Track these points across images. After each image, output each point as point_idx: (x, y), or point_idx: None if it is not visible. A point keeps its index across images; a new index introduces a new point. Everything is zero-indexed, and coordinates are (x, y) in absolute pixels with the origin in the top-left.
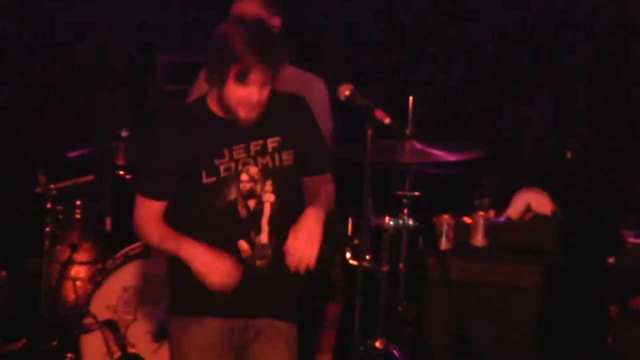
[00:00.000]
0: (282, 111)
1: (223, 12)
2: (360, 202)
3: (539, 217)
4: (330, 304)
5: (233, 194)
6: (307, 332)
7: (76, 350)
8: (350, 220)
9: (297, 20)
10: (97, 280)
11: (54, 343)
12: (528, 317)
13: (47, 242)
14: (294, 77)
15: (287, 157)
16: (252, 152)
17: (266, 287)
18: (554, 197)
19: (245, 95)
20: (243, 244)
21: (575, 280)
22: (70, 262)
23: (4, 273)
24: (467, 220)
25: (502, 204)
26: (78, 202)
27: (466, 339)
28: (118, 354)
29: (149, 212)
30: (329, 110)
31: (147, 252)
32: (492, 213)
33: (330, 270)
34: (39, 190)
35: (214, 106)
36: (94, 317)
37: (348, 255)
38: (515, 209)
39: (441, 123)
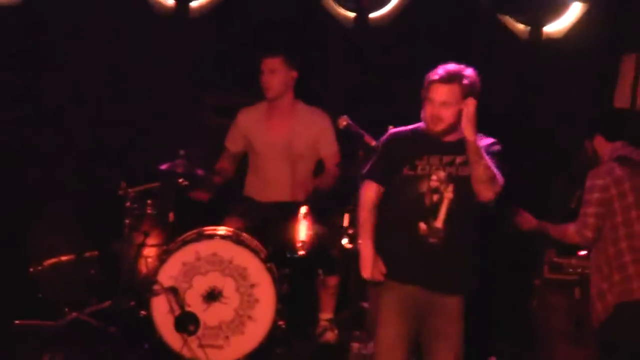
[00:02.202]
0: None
1: (256, 63)
2: (354, 202)
3: None
4: (331, 276)
5: (424, 188)
6: (314, 297)
7: (148, 309)
8: (346, 215)
9: (306, 70)
10: (162, 258)
11: (132, 303)
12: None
13: (126, 230)
14: (306, 111)
15: (467, 171)
16: (444, 162)
17: (438, 262)
18: None
19: (430, 111)
20: (422, 225)
21: (508, 259)
22: (143, 244)
23: (96, 253)
24: None
25: None
26: (149, 202)
27: None
28: (178, 311)
29: (369, 193)
30: (334, 136)
31: (199, 237)
32: None
33: (331, 251)
34: (121, 193)
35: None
36: (161, 284)
37: (344, 241)
38: None
39: None
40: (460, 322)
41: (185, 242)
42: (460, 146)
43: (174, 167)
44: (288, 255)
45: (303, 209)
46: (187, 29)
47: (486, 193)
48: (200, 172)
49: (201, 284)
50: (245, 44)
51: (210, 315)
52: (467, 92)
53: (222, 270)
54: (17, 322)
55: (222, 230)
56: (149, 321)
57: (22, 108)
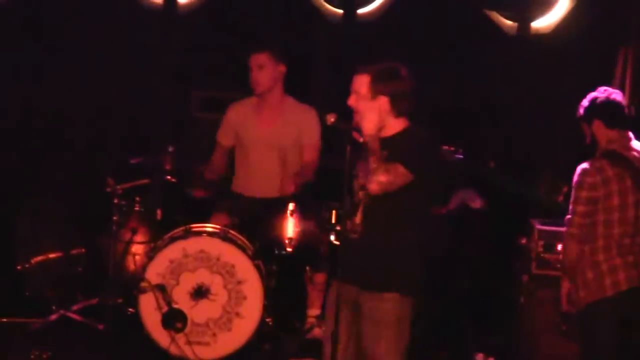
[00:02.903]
0: (394, 140)
1: (243, 58)
2: (342, 198)
3: (471, 210)
4: (319, 272)
5: (357, 185)
6: (301, 294)
7: (135, 306)
8: (334, 211)
9: (296, 66)
10: (150, 255)
11: (119, 300)
12: (462, 280)
13: (114, 227)
14: (294, 107)
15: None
16: None
17: (357, 258)
18: (483, 195)
19: None
20: (349, 222)
21: (497, 255)
22: (131, 241)
23: (83, 250)
24: None
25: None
26: (137, 198)
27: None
28: (165, 308)
29: None
30: (319, 132)
31: (187, 234)
32: (437, 206)
33: (319, 248)
34: (109, 189)
35: None
36: (148, 282)
37: (332, 237)
38: (453, 203)
39: None
40: (391, 325)
41: (173, 239)
42: (387, 142)
43: (162, 163)
44: (276, 252)
45: (291, 206)
46: (175, 24)
47: (369, 184)
48: (189, 168)
49: (189, 281)
50: (233, 39)
51: (197, 312)
52: (378, 84)
53: (209, 267)
54: (4, 319)
55: (209, 227)
56: (136, 318)
57: (7, 102)
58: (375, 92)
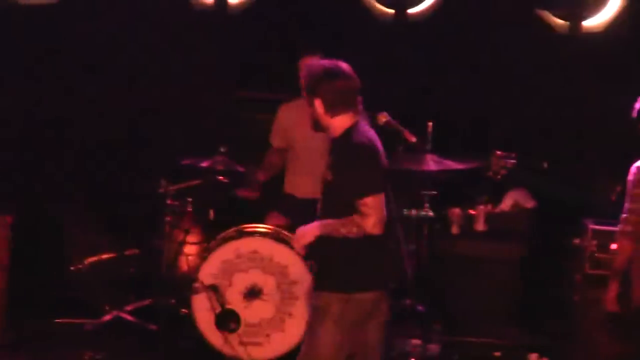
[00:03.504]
0: (336, 146)
1: (288, 61)
2: (395, 199)
3: (523, 210)
4: None
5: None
6: None
7: (188, 307)
8: None
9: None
10: (203, 255)
11: (172, 301)
12: (514, 280)
13: (167, 228)
14: None
15: (328, 174)
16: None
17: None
18: (535, 195)
19: None
20: None
21: (551, 255)
22: (184, 242)
23: (137, 251)
24: (472, 211)
25: (497, 200)
26: (190, 199)
27: (469, 296)
28: (219, 309)
29: None
30: None
31: (239, 235)
32: (490, 206)
33: None
34: (161, 190)
35: None
36: (201, 282)
37: None
38: (506, 203)
39: (452, 141)
40: (314, 318)
41: (226, 240)
42: (332, 147)
43: (215, 164)
44: None
45: None
46: (225, 25)
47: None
48: (241, 168)
49: (241, 282)
50: (283, 40)
51: (250, 313)
52: (308, 87)
53: (262, 267)
54: (57, 320)
55: (262, 227)
56: (189, 319)
57: (63, 106)
58: (309, 95)
